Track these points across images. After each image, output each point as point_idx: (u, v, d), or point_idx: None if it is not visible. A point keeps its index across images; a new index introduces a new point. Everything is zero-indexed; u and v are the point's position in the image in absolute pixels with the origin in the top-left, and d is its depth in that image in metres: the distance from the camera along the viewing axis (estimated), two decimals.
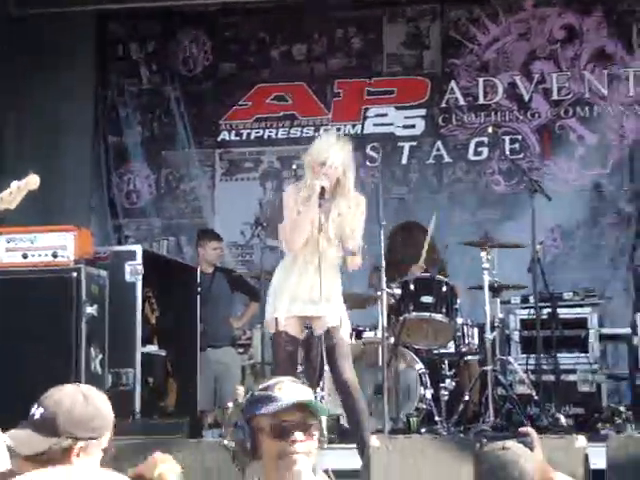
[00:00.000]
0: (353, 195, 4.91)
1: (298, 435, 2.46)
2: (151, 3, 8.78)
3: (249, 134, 8.79)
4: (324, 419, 2.59)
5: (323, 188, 4.77)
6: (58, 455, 2.42)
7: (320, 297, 4.77)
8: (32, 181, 4.23)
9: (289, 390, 2.54)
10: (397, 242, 6.80)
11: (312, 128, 8.64)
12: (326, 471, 3.31)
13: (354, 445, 4.74)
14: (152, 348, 6.12)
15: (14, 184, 4.19)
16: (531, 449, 2.82)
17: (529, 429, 2.95)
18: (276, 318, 4.84)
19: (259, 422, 2.49)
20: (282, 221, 4.96)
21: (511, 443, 2.72)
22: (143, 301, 5.91)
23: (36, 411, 2.45)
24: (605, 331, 7.10)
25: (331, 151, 4.81)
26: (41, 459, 2.41)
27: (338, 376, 4.80)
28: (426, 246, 6.54)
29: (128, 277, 5.79)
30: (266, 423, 2.49)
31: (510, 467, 2.60)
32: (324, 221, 4.80)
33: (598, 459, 4.27)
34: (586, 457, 4.12)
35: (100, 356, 5.44)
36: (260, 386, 2.57)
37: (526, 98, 8.36)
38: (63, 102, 8.47)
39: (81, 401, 2.47)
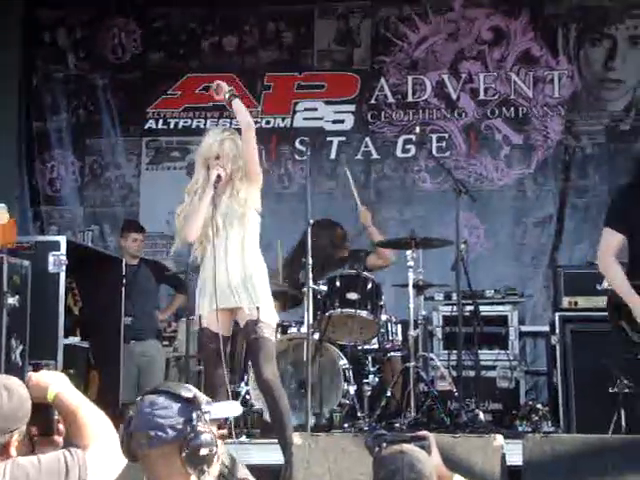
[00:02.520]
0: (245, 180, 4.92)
1: None
2: None
3: (177, 123, 8.73)
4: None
5: (219, 176, 4.82)
6: None
7: (235, 286, 4.76)
8: None
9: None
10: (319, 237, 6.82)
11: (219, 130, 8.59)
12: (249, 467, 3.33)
13: (275, 441, 4.76)
14: (74, 340, 6.05)
15: None
16: (428, 452, 2.87)
17: (426, 433, 3.00)
18: (200, 315, 4.85)
19: None
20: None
21: (408, 446, 2.76)
22: (66, 292, 5.84)
23: None
24: (525, 329, 7.26)
25: (222, 143, 4.86)
26: None
27: (258, 375, 4.78)
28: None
29: (51, 267, 5.71)
30: None
31: (407, 470, 2.64)
32: (215, 207, 4.82)
33: (515, 456, 4.36)
34: (503, 456, 4.20)
35: (21, 347, 5.37)
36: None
37: (454, 97, 8.46)
38: None
39: (6, 396, 2.48)
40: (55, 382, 2.61)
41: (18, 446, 2.48)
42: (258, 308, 4.75)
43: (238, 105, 4.93)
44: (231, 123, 8.62)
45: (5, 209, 4.20)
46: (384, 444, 2.86)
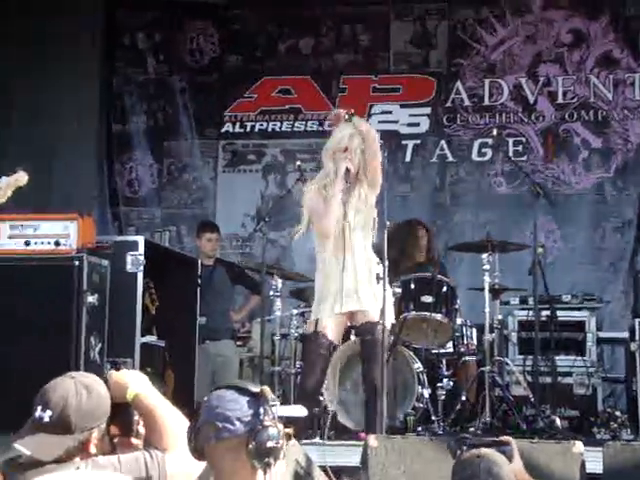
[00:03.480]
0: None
1: None
2: None
3: (253, 126, 8.79)
4: None
5: (347, 169, 4.87)
6: (77, 450, 2.46)
7: (361, 289, 4.86)
8: (21, 178, 4.31)
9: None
10: (395, 239, 6.81)
11: (316, 122, 8.65)
12: (324, 468, 3.34)
13: (352, 442, 4.76)
14: (151, 338, 6.11)
15: (3, 180, 4.27)
16: (510, 458, 2.83)
17: (509, 438, 2.97)
18: (317, 319, 4.92)
19: None
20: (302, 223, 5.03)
21: (487, 451, 2.73)
22: (143, 291, 5.90)
23: (43, 414, 2.46)
24: (603, 335, 7.13)
25: (352, 138, 4.95)
26: (61, 459, 2.43)
27: (367, 374, 4.85)
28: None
29: (129, 267, 5.78)
30: None
31: (484, 474, 2.61)
32: (347, 209, 4.87)
33: (593, 464, 4.29)
34: (583, 463, 4.13)
35: (99, 345, 5.45)
36: None
37: (531, 100, 8.36)
38: (67, 91, 8.45)
39: (85, 394, 2.49)
40: (135, 382, 2.61)
41: (97, 445, 2.49)
42: (382, 311, 4.78)
43: (358, 122, 5.01)
44: (306, 126, 8.69)
45: (25, 174, 4.29)
46: (465, 447, 2.84)
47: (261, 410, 2.29)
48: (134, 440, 2.60)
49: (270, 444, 2.26)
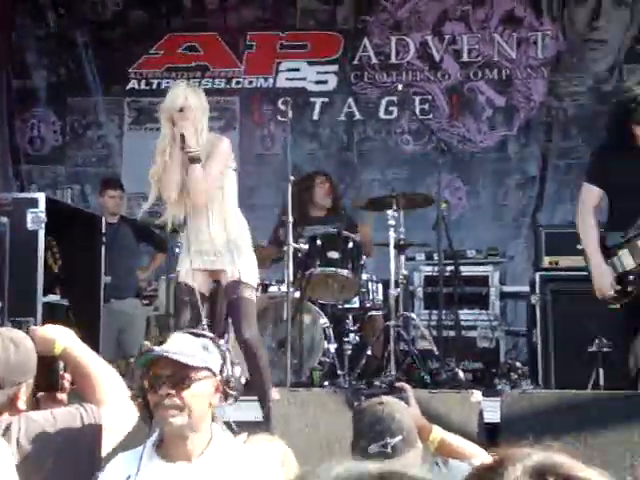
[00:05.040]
0: (209, 138, 4.86)
1: (164, 389, 2.46)
2: None
3: (159, 83, 8.65)
4: (232, 373, 2.57)
5: (182, 135, 4.76)
6: (5, 406, 2.40)
7: (217, 249, 4.79)
8: None
9: (169, 343, 2.54)
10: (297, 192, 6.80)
11: (224, 80, 8.57)
12: (227, 423, 3.33)
13: (255, 397, 4.77)
14: (54, 298, 6.03)
15: None
16: (407, 404, 2.89)
17: (404, 384, 3.03)
18: (178, 271, 4.87)
19: (145, 376, 2.50)
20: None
21: (387, 398, 2.78)
22: (45, 250, 5.80)
23: None
24: (506, 289, 7.28)
25: (187, 96, 4.76)
26: None
27: (238, 335, 4.81)
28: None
29: (30, 225, 5.67)
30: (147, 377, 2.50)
31: (387, 420, 2.66)
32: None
33: (493, 414, 4.39)
34: (481, 412, 4.23)
35: None
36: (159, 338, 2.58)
37: (437, 59, 8.41)
38: None
39: (12, 348, 2.45)
40: (62, 335, 2.54)
41: (26, 401, 2.43)
42: (239, 270, 4.75)
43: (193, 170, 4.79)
44: (213, 83, 8.60)
45: None
46: (363, 398, 2.88)
47: None
48: (60, 395, 2.54)
49: None
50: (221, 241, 4.80)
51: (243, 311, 4.76)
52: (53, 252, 6.08)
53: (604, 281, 4.43)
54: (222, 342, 2.68)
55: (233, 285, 4.77)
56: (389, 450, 2.65)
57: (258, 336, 4.85)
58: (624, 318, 4.59)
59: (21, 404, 2.43)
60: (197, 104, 4.79)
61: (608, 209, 4.56)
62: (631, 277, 4.41)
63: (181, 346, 2.53)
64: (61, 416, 2.42)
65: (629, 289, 4.43)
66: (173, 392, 2.47)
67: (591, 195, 4.49)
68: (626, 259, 4.40)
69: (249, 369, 4.89)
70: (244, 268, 4.79)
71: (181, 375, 2.48)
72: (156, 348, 2.53)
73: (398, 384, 3.00)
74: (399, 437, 2.65)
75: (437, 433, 2.98)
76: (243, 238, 4.88)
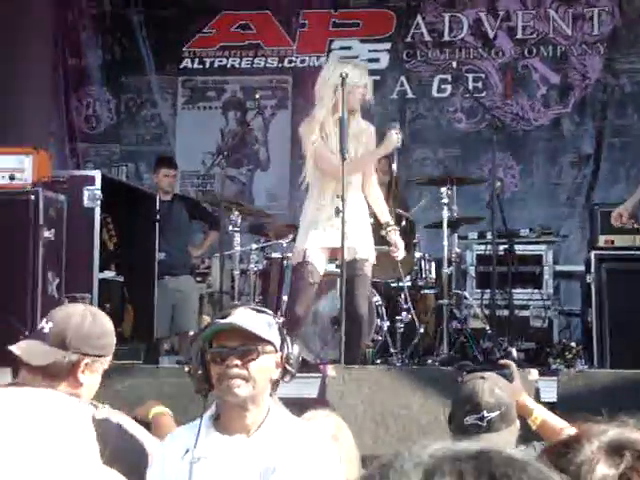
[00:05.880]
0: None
1: (232, 359, 2.49)
2: None
3: (212, 62, 8.69)
4: (293, 352, 2.60)
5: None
6: (65, 369, 2.49)
7: (354, 227, 4.92)
8: None
9: (235, 316, 2.56)
10: None
11: (276, 59, 8.58)
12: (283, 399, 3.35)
13: (310, 374, 4.80)
14: (110, 274, 6.09)
15: None
16: (510, 381, 2.90)
17: (508, 362, 3.03)
18: (305, 249, 4.93)
19: (208, 349, 2.53)
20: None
21: (489, 374, 2.79)
22: (101, 227, 5.86)
23: (45, 325, 2.53)
24: (559, 268, 7.22)
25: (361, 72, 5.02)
26: (49, 372, 2.47)
27: (354, 309, 4.90)
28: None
29: (86, 202, 5.72)
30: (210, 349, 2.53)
31: (486, 394, 2.66)
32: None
33: (549, 393, 4.37)
34: (537, 390, 4.20)
35: (57, 280, 5.41)
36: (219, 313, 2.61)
37: (491, 36, 8.34)
38: (20, 24, 8.25)
39: (90, 319, 2.55)
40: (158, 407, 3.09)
41: (88, 377, 2.52)
42: (366, 247, 4.98)
43: None
44: (266, 62, 8.61)
45: None
46: (465, 373, 2.89)
47: None
48: None
49: None
50: (357, 219, 4.97)
51: (366, 288, 5.00)
52: (109, 229, 6.15)
53: None
54: (281, 319, 2.70)
55: (361, 262, 4.95)
56: (485, 424, 2.66)
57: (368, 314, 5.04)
58: None
59: (81, 377, 2.49)
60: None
61: None
62: None
63: (247, 320, 2.55)
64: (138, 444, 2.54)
65: None
66: (240, 363, 2.49)
67: None
68: None
69: (349, 339, 4.95)
70: (370, 245, 4.96)
71: (249, 347, 2.50)
72: (223, 320, 2.55)
73: (502, 361, 3.01)
74: (496, 412, 2.65)
75: (539, 413, 2.97)
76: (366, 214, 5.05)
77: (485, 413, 2.64)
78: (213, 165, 7.07)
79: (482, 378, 2.73)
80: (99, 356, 2.53)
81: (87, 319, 2.52)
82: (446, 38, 8.41)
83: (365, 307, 4.94)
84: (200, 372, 2.54)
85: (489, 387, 2.68)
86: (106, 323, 2.58)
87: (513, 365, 3.00)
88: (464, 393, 2.72)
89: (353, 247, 4.93)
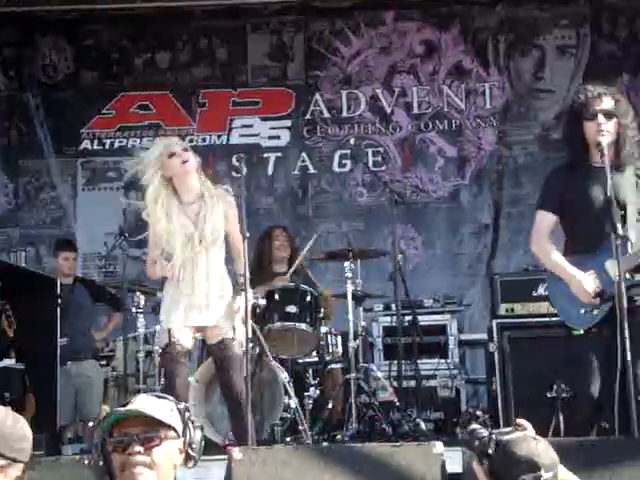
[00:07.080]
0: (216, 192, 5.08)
1: (134, 447, 2.44)
2: (7, 8, 8.51)
3: (112, 143, 8.66)
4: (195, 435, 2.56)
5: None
6: None
7: (212, 305, 4.87)
8: None
9: (136, 403, 2.51)
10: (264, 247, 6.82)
11: (177, 138, 8.57)
12: None
13: (216, 457, 4.72)
14: (9, 362, 5.94)
15: None
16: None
17: (524, 421, 3.00)
18: (169, 329, 4.86)
19: (108, 439, 2.48)
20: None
21: (532, 433, 2.77)
22: (0, 314, 5.73)
23: None
24: (464, 337, 7.31)
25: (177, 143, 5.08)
26: None
27: (230, 390, 4.85)
28: (297, 262, 6.60)
29: None
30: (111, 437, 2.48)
31: (543, 455, 2.63)
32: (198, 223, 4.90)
33: (456, 464, 4.36)
34: (443, 463, 4.20)
35: None
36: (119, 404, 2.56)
37: (388, 111, 8.52)
38: None
39: (10, 421, 2.47)
40: None
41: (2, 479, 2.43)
42: (234, 327, 4.86)
43: None
44: None
45: None
46: (477, 440, 2.85)
47: None
48: None
49: None
50: (216, 296, 4.88)
51: (237, 367, 4.85)
52: (7, 316, 6.01)
53: (586, 280, 4.32)
54: (182, 404, 2.66)
55: (228, 342, 4.87)
56: None
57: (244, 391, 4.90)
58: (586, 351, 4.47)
59: None
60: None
61: (564, 236, 4.50)
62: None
63: (148, 405, 2.51)
64: None
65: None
66: (142, 449, 2.44)
67: (545, 221, 4.43)
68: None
69: (235, 420, 4.87)
70: (237, 323, 4.89)
71: (151, 433, 2.46)
72: (123, 408, 2.50)
73: (519, 420, 2.98)
74: (551, 473, 2.66)
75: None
76: (228, 293, 4.97)
77: (543, 472, 2.65)
78: (115, 247, 7.00)
79: (535, 439, 2.73)
80: (15, 460, 2.45)
81: (8, 421, 2.45)
82: (344, 114, 8.57)
83: (242, 385, 4.81)
84: (101, 463, 2.49)
85: (544, 448, 2.69)
86: (27, 429, 2.51)
87: (529, 425, 2.99)
88: (521, 452, 2.70)
89: (219, 326, 4.92)
